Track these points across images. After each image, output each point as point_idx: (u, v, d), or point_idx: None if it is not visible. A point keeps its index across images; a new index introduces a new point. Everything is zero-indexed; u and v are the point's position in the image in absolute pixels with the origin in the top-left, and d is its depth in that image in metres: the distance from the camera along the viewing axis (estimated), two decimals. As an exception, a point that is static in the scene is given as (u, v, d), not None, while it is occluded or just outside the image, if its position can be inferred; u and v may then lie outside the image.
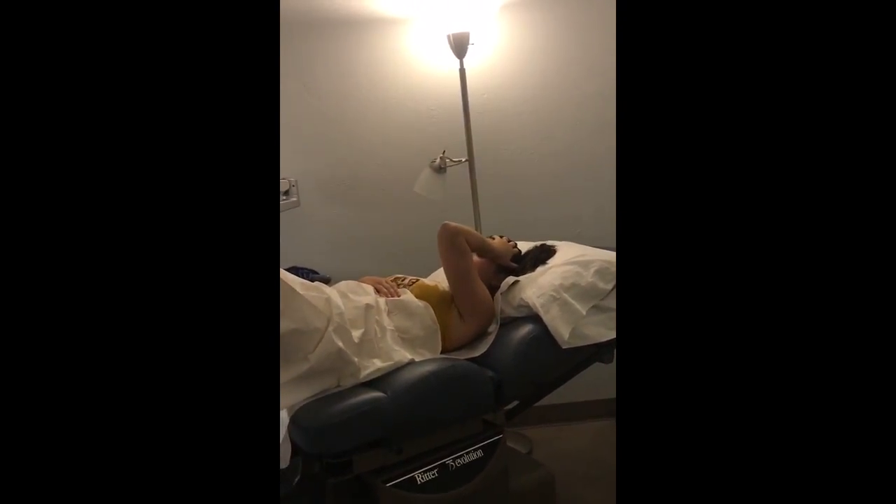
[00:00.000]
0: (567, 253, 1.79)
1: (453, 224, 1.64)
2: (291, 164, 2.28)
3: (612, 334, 1.63)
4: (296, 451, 1.36)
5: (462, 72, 2.19)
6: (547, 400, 2.08)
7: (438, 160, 2.18)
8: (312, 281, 1.69)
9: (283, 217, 2.17)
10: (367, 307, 1.51)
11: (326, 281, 2.04)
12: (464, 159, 2.23)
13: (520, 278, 1.72)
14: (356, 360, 1.41)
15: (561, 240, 1.95)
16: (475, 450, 1.52)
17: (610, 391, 2.15)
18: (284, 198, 2.25)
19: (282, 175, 2.24)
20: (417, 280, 1.76)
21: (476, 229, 2.26)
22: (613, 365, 1.71)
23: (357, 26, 2.30)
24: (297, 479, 1.40)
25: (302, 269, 2.28)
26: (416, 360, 1.52)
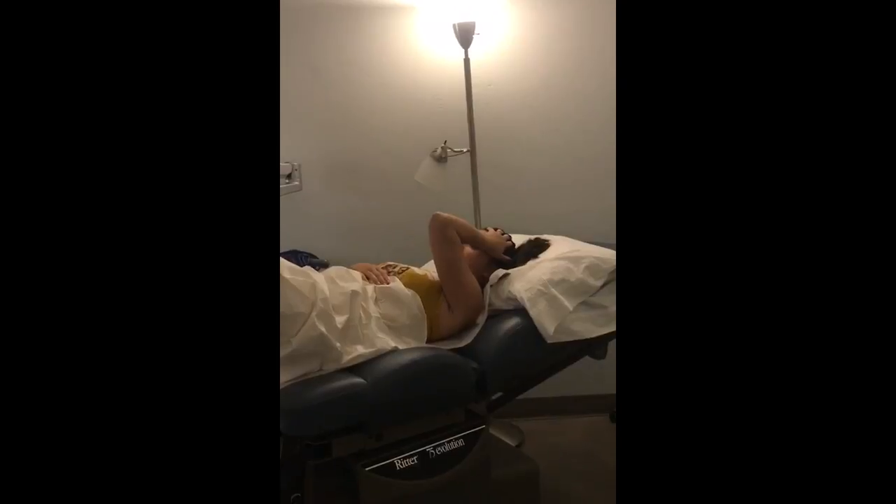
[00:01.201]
0: (560, 248, 1.79)
1: (444, 214, 1.65)
2: (295, 149, 2.29)
3: (600, 331, 1.63)
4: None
5: (467, 62, 2.19)
6: (541, 393, 2.09)
7: (440, 150, 2.19)
8: (311, 265, 1.72)
9: (285, 201, 2.18)
10: (354, 293, 1.53)
11: (324, 266, 2.06)
12: (465, 150, 2.23)
13: (510, 271, 1.72)
14: (339, 345, 1.43)
15: (560, 234, 1.95)
16: (456, 439, 1.52)
17: (604, 387, 2.15)
18: (287, 181, 2.26)
19: (285, 159, 2.25)
20: (408, 268, 1.78)
21: (475, 221, 2.26)
22: (608, 361, 1.71)
23: (363, 13, 2.30)
24: (277, 460, 1.43)
25: (301, 252, 2.30)
26: (401, 347, 1.54)
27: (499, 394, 1.83)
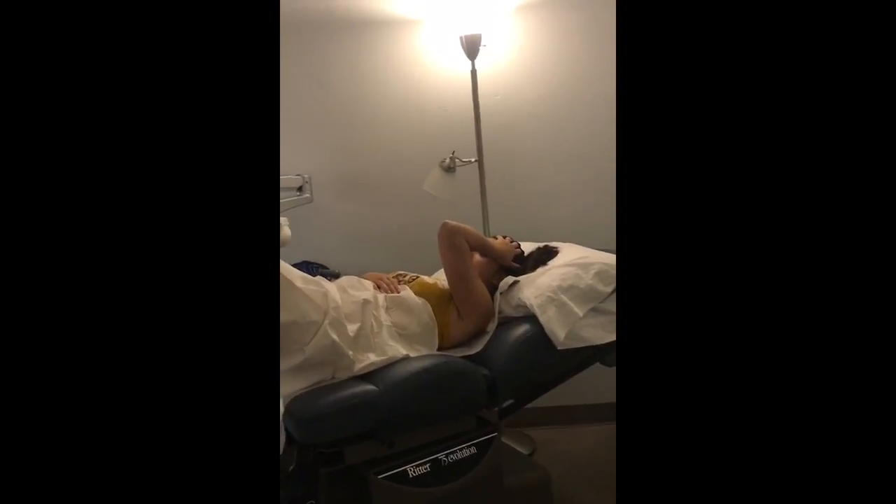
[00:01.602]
0: (569, 254, 1.80)
1: (453, 223, 1.67)
2: (306, 161, 2.33)
3: (610, 337, 1.63)
4: (291, 439, 1.40)
5: (474, 73, 2.21)
6: (553, 401, 2.09)
7: (448, 160, 2.21)
8: (323, 276, 1.74)
9: (297, 212, 2.22)
10: (365, 302, 1.54)
11: (336, 276, 2.08)
12: (473, 160, 2.25)
13: (519, 279, 1.73)
14: (351, 353, 1.44)
15: (569, 242, 1.95)
16: (469, 446, 1.53)
17: (615, 395, 2.14)
18: (298, 194, 2.29)
19: (296, 171, 2.28)
20: (418, 277, 1.79)
21: (484, 229, 2.28)
22: (618, 368, 1.71)
23: (371, 27, 2.33)
24: (291, 468, 1.44)
25: (313, 263, 2.32)
26: (412, 355, 1.55)
27: (510, 401, 1.84)
